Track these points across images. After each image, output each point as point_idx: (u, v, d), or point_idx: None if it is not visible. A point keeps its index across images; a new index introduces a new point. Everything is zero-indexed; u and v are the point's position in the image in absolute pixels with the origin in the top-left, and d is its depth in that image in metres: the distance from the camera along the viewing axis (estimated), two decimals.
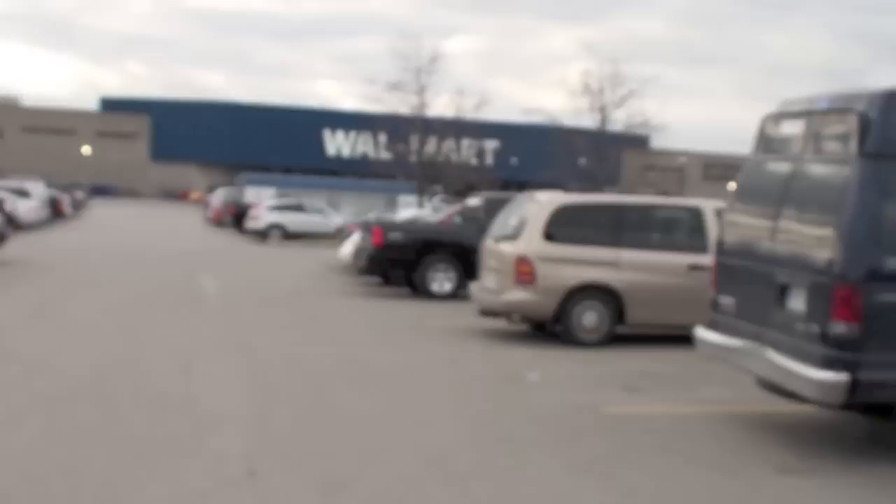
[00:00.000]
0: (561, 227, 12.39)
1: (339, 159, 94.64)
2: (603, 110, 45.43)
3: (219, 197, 59.35)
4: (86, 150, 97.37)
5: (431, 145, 47.75)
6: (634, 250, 12.47)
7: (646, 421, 8.29)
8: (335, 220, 42.03)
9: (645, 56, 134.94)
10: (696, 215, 12.78)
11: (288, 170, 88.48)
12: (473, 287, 13.78)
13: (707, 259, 12.35)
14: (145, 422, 7.52)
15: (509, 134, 71.71)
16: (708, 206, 12.89)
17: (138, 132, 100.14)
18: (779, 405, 8.34)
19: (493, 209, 18.15)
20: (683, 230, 13.02)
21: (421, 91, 45.42)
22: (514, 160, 72.79)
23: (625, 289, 12.27)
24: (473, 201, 20.13)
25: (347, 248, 23.97)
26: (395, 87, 45.17)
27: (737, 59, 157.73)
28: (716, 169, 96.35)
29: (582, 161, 49.55)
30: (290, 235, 39.74)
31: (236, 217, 45.34)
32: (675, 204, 13.52)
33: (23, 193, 41.55)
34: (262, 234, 39.90)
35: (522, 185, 68.46)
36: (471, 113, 47.52)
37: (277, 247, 37.10)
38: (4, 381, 8.78)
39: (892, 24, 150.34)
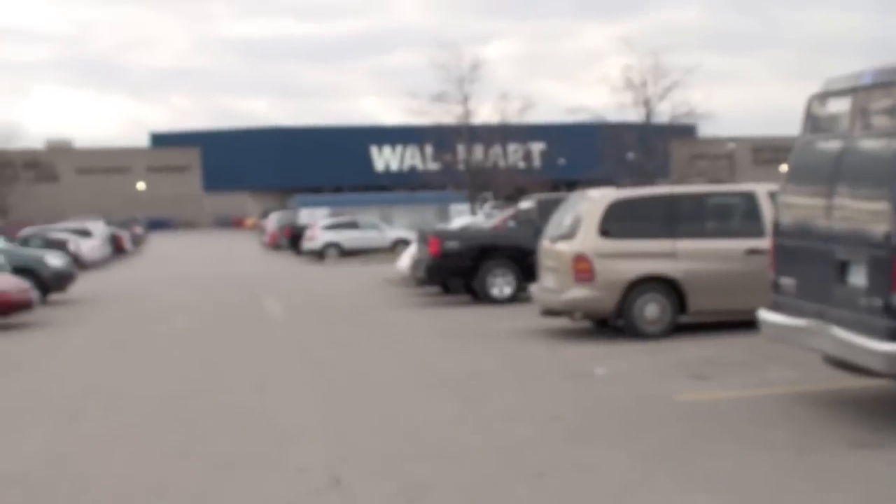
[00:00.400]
0: (615, 222, 12.50)
1: (387, 174, 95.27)
2: (647, 103, 45.26)
3: (273, 221, 60.27)
4: (140, 185, 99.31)
5: (478, 153, 47.88)
6: (690, 239, 12.54)
7: (716, 407, 8.37)
8: (391, 234, 42.44)
9: (684, 46, 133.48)
10: (749, 200, 12.81)
11: (338, 189, 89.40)
12: (533, 288, 13.93)
13: (764, 243, 12.37)
14: (228, 438, 7.79)
15: (555, 134, 71.47)
16: (761, 189, 12.90)
17: (190, 164, 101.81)
18: (847, 381, 8.39)
19: (546, 210, 18.29)
20: (738, 216, 13.05)
21: (465, 100, 45.58)
22: (561, 160, 72.58)
23: (684, 278, 12.33)
24: (526, 204, 20.26)
25: (405, 260, 24.25)
26: (438, 98, 45.41)
27: (777, 40, 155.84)
28: (765, 153, 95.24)
29: (630, 155, 49.38)
30: (346, 253, 40.18)
31: (292, 239, 46.00)
32: (727, 190, 13.56)
33: (85, 233, 42.50)
34: (319, 254, 40.42)
35: (571, 185, 68.16)
36: (516, 117, 47.58)
37: (335, 265, 37.51)
38: (91, 412, 9.12)
39: None
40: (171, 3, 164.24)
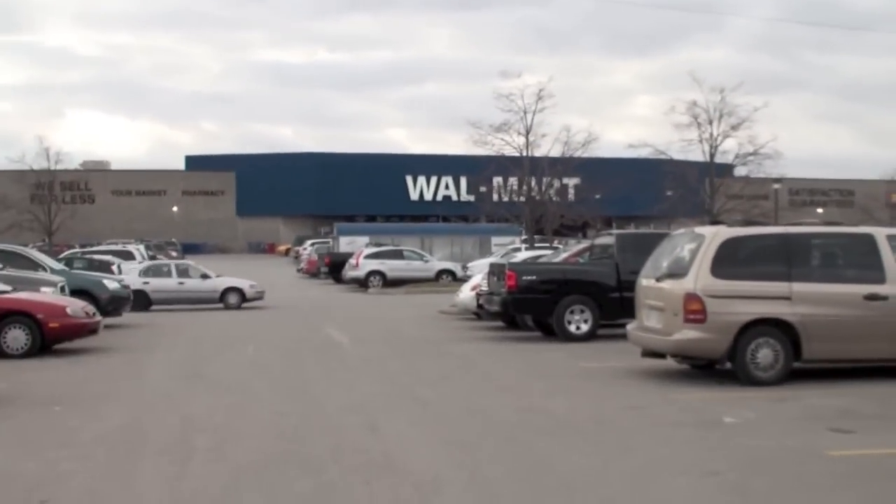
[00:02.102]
0: (728, 261, 11.89)
1: (422, 203, 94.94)
2: (713, 141, 44.85)
3: (309, 248, 59.91)
4: (175, 208, 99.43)
5: (533, 185, 47.14)
6: (807, 282, 11.92)
7: (882, 464, 7.75)
8: (436, 265, 41.97)
9: (714, 86, 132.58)
10: (868, 242, 12.20)
11: (371, 217, 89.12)
12: (631, 327, 13.33)
13: (885, 288, 11.81)
14: (363, 486, 7.21)
15: (590, 169, 71.23)
16: (880, 232, 12.32)
17: (224, 189, 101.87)
18: None
19: (625, 246, 17.81)
20: (856, 259, 12.44)
21: (527, 131, 44.88)
22: (597, 196, 72.12)
23: (800, 322, 11.71)
24: (603, 239, 19.72)
25: (466, 292, 23.73)
26: (500, 129, 44.73)
27: (805, 83, 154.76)
28: (802, 195, 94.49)
29: (668, 193, 49.02)
30: (389, 282, 39.73)
31: (332, 267, 45.52)
32: (844, 232, 12.90)
33: (127, 255, 42.37)
34: (362, 282, 39.94)
35: (609, 221, 67.43)
36: (577, 151, 46.97)
37: (379, 294, 37.05)
38: (199, 450, 8.57)
39: None
40: (203, 30, 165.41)
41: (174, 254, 70.28)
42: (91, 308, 17.55)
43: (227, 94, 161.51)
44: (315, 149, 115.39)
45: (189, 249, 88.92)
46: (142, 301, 27.15)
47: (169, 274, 29.98)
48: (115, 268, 36.93)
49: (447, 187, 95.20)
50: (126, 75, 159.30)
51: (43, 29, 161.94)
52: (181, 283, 29.46)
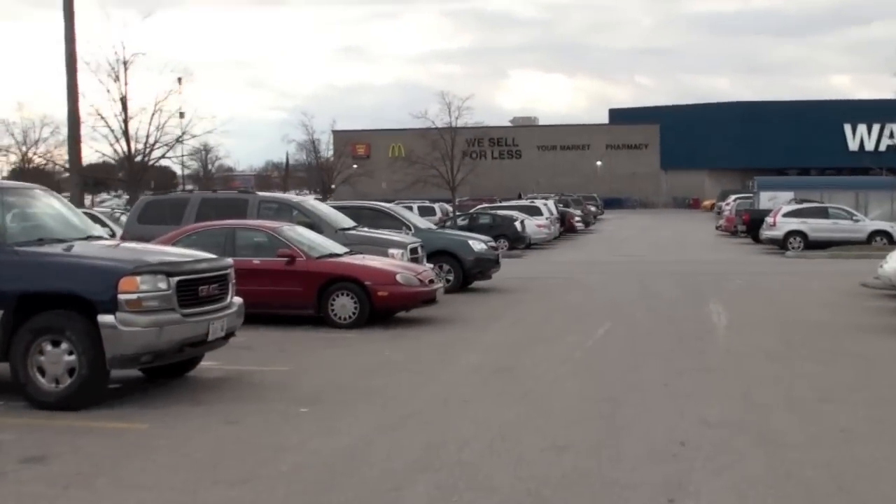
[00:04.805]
0: None
1: (862, 154, 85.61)
2: None
3: (731, 203, 55.68)
4: (598, 163, 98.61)
5: None
6: None
7: None
8: (868, 225, 36.24)
9: None
10: None
11: (804, 171, 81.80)
12: None
13: None
14: None
15: None
16: None
17: (648, 142, 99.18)
18: None
19: None
20: None
21: None
22: None
23: None
24: None
25: (891, 263, 19.12)
26: None
27: None
28: None
29: None
30: (811, 244, 34.92)
31: (750, 225, 41.44)
32: None
33: (534, 211, 42.06)
34: (780, 244, 35.56)
35: None
36: None
37: (797, 258, 32.58)
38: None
39: None
40: None
41: (593, 209, 69.06)
42: (430, 275, 15.73)
43: (661, 48, 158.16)
44: (745, 97, 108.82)
45: (610, 204, 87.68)
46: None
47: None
48: (517, 224, 36.27)
49: (892, 136, 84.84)
50: (563, 34, 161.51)
51: None
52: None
